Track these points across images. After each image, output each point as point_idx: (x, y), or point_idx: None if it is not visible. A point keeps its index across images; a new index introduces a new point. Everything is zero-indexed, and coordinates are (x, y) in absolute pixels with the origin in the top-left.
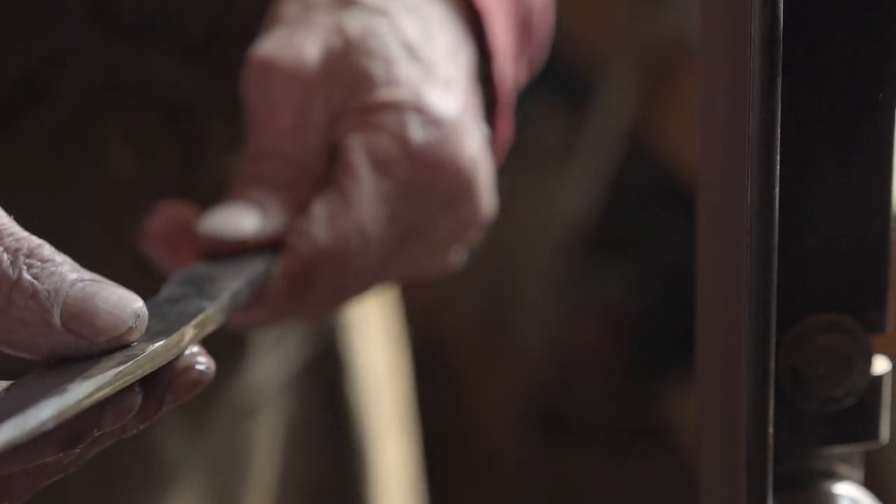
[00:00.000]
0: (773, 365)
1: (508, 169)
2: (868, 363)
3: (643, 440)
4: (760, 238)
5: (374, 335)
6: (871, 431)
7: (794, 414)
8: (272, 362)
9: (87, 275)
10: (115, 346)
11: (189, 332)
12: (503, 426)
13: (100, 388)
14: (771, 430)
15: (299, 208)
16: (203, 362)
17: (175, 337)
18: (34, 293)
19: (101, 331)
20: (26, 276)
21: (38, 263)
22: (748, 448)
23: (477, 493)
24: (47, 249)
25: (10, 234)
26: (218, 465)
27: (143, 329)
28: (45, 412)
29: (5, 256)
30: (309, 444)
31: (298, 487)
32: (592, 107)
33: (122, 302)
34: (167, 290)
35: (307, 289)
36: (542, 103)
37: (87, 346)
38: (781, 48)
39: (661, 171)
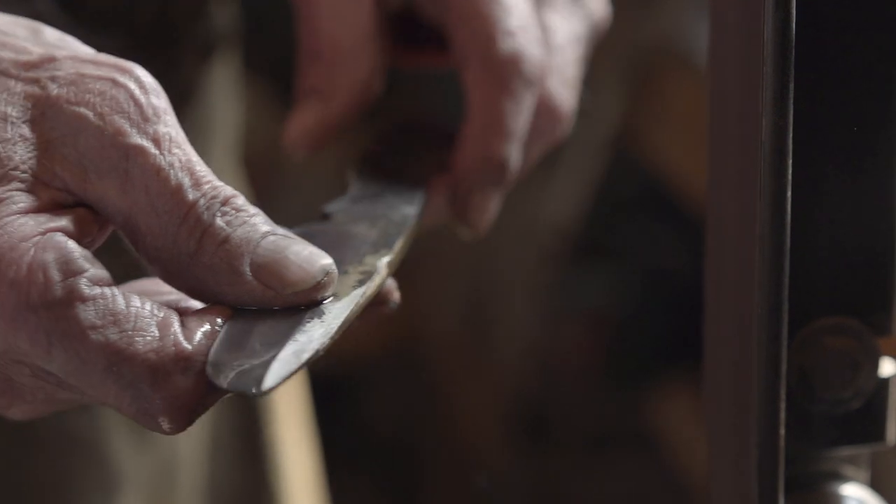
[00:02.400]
0: (784, 368)
1: None
2: (875, 365)
3: (626, 445)
4: (772, 242)
5: None
6: (878, 433)
7: (801, 416)
8: None
9: (279, 229)
10: (301, 301)
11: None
12: (486, 431)
13: (353, 309)
14: (783, 432)
15: None
16: (397, 297)
17: (385, 261)
18: (225, 240)
19: (289, 284)
20: (219, 222)
21: (232, 212)
22: (759, 450)
23: (460, 499)
24: (241, 200)
25: (208, 182)
26: (164, 471)
27: (332, 286)
28: (315, 340)
29: (202, 202)
30: (230, 451)
31: (224, 496)
32: (577, 112)
33: (313, 257)
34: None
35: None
36: None
37: (272, 297)
38: (793, 54)
39: (647, 177)
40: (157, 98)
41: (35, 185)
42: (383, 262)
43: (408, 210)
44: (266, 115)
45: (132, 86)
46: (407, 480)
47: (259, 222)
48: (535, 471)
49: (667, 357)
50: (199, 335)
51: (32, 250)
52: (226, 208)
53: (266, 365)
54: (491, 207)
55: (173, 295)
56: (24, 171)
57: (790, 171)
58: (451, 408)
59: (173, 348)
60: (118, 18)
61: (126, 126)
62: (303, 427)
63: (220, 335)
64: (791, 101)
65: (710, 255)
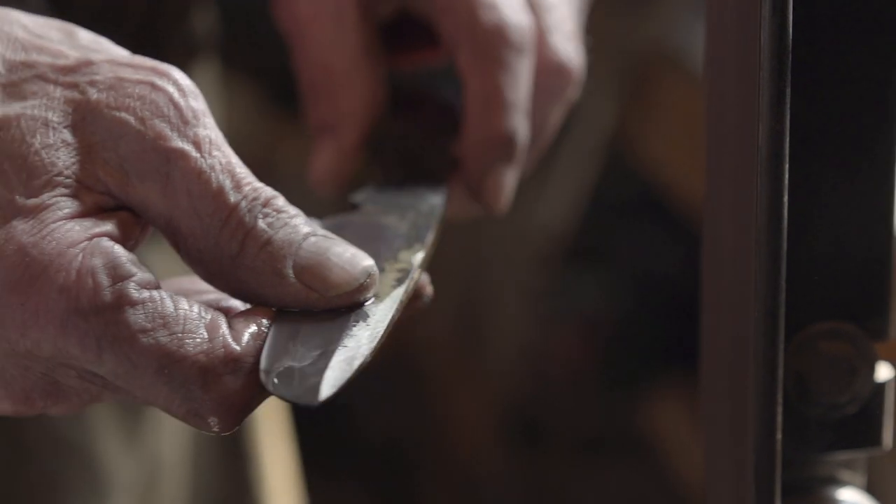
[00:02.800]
0: (781, 372)
1: None
2: (871, 370)
3: (620, 449)
4: (769, 246)
5: None
6: (875, 437)
7: (798, 420)
8: None
9: (319, 230)
10: (344, 303)
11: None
12: (479, 435)
13: (397, 309)
14: (779, 436)
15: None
16: (430, 291)
17: (420, 257)
18: (268, 242)
19: (332, 286)
20: (261, 224)
21: (273, 213)
22: (756, 454)
23: (448, 500)
24: (282, 201)
25: (248, 184)
26: (151, 472)
27: (374, 287)
28: (364, 345)
29: (243, 204)
30: (213, 452)
31: (208, 497)
32: (571, 117)
33: (355, 259)
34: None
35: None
36: None
37: (315, 299)
38: (790, 59)
39: (640, 181)
40: (195, 101)
41: (79, 189)
42: (418, 258)
43: (434, 200)
44: (254, 117)
45: (171, 89)
46: (400, 485)
47: (300, 223)
48: (529, 475)
49: (660, 361)
50: (246, 336)
51: (80, 256)
52: (267, 210)
53: (320, 373)
54: (507, 184)
55: (212, 294)
56: (67, 177)
57: (787, 175)
58: (445, 412)
59: (223, 350)
60: (104, 21)
61: (166, 130)
62: (281, 428)
63: (268, 339)
64: (788, 106)
65: (707, 260)
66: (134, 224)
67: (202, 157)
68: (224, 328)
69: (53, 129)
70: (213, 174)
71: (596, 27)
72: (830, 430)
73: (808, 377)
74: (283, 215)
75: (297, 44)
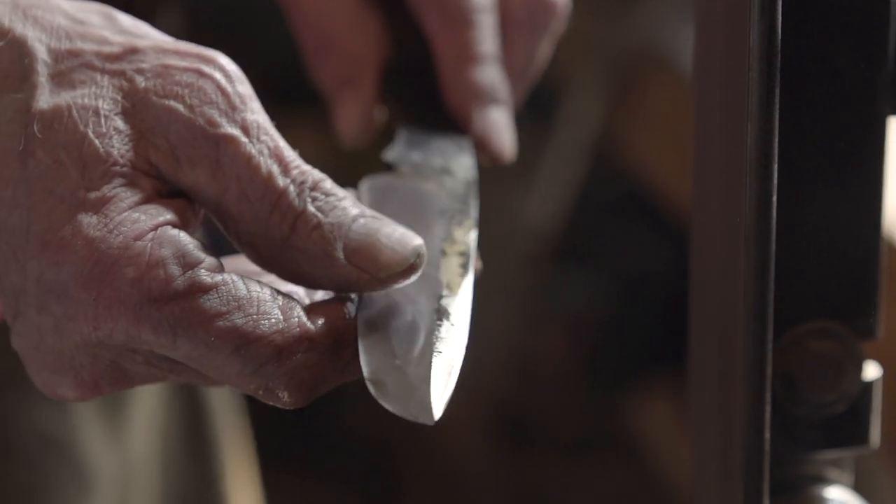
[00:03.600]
0: (769, 371)
1: None
2: (859, 369)
3: (608, 449)
4: (757, 246)
5: None
6: (862, 436)
7: (786, 419)
8: None
9: (367, 211)
10: (394, 283)
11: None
12: (466, 435)
13: (468, 292)
14: (768, 435)
15: None
16: (480, 265)
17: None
18: (318, 225)
19: (383, 266)
20: (311, 208)
21: (322, 196)
22: (744, 453)
23: (433, 500)
24: (329, 183)
25: (297, 167)
26: (133, 467)
27: (423, 266)
28: (457, 352)
29: (292, 188)
30: (180, 448)
31: (177, 492)
32: (558, 117)
33: (405, 239)
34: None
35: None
36: None
37: (367, 280)
38: (779, 61)
39: (627, 182)
40: (242, 86)
41: (136, 176)
42: (473, 238)
43: (464, 160)
44: None
45: (218, 75)
46: (387, 486)
47: (348, 205)
48: (516, 474)
49: (647, 361)
50: (321, 317)
51: (149, 247)
52: (316, 193)
53: (426, 384)
54: (502, 129)
55: (264, 277)
56: (123, 165)
57: (775, 175)
58: None
59: (297, 329)
60: None
61: (215, 116)
62: (239, 426)
63: (360, 337)
64: (777, 106)
65: (696, 260)
66: (190, 210)
67: (251, 141)
68: (298, 309)
69: (105, 117)
70: (261, 159)
71: (583, 28)
72: (818, 429)
73: (796, 376)
74: (332, 198)
75: (294, 9)
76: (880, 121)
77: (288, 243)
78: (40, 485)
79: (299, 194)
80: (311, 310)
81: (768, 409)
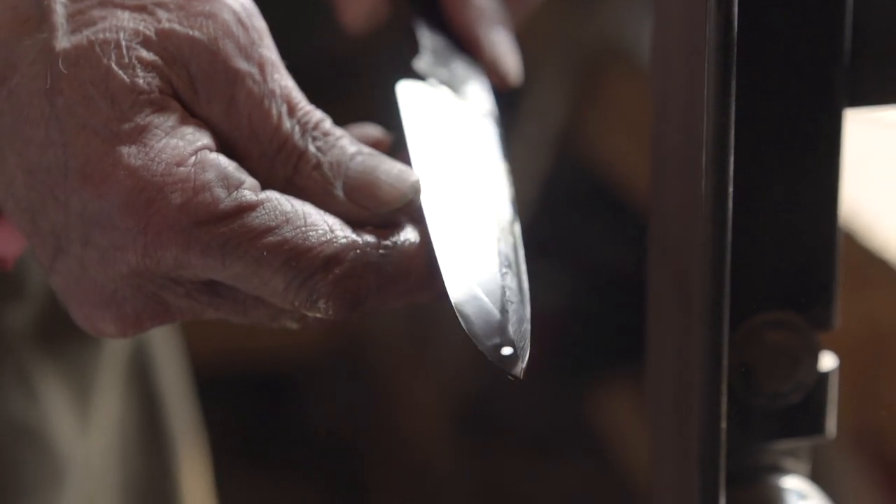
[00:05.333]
0: (725, 362)
1: None
2: (815, 359)
3: (570, 443)
4: (713, 237)
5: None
6: (818, 426)
7: (742, 409)
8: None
9: (365, 148)
10: (393, 218)
11: None
12: (431, 430)
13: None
14: (724, 426)
15: None
16: None
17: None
18: (318, 164)
19: (382, 203)
20: (311, 147)
21: (321, 136)
22: (701, 444)
23: (405, 498)
24: (328, 123)
25: (301, 108)
26: (105, 455)
27: (419, 198)
28: (526, 306)
29: (297, 129)
30: (137, 440)
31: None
32: (522, 112)
33: (403, 175)
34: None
35: None
36: None
37: (367, 216)
38: (735, 53)
39: (591, 176)
40: (258, 20)
41: (165, 101)
42: (508, 189)
43: (480, 86)
44: None
45: (237, 7)
46: (352, 481)
47: (346, 144)
48: (480, 468)
49: (611, 355)
50: (368, 229)
51: (193, 171)
52: (316, 133)
53: (512, 343)
54: (511, 51)
55: None
56: (152, 92)
57: (732, 167)
58: (396, 407)
59: (345, 239)
60: None
61: (235, 50)
62: (196, 421)
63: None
64: (733, 98)
65: (653, 251)
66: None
67: (265, 82)
68: (343, 223)
69: (127, 48)
70: (272, 101)
71: (546, 22)
72: (774, 419)
73: (752, 367)
74: (331, 137)
75: None
76: (836, 113)
77: (291, 181)
78: (12, 473)
79: (302, 135)
80: (357, 226)
81: (725, 399)
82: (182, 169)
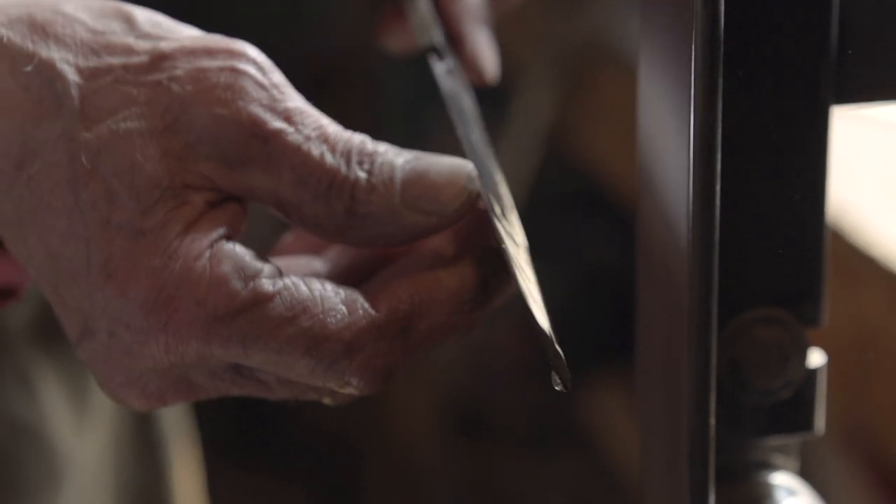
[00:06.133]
0: (714, 359)
1: None
2: (804, 356)
3: (562, 441)
4: (702, 234)
5: None
6: (807, 423)
7: (731, 406)
8: None
9: (407, 154)
10: (463, 215)
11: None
12: (421, 429)
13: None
14: (713, 422)
15: None
16: None
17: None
18: (372, 188)
19: (445, 203)
20: (361, 174)
21: (367, 159)
22: (690, 440)
23: (395, 497)
24: (369, 143)
25: (339, 140)
26: (103, 453)
27: (477, 189)
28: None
29: (342, 163)
30: (130, 439)
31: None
32: (510, 111)
33: (455, 169)
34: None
35: None
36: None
37: (435, 222)
38: (722, 50)
39: (579, 175)
40: (275, 75)
41: (188, 193)
42: (516, 220)
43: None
44: None
45: (252, 70)
46: (342, 479)
47: (391, 157)
48: (471, 467)
49: (600, 353)
50: (385, 302)
51: (208, 266)
52: (360, 158)
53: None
54: (491, 49)
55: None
56: (175, 186)
57: (719, 164)
58: (386, 406)
59: (364, 321)
60: None
61: (260, 113)
62: (188, 421)
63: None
64: (720, 95)
65: (641, 248)
66: (241, 212)
67: (297, 130)
68: (362, 300)
69: (151, 137)
70: (310, 144)
71: (534, 22)
72: (764, 416)
73: (741, 363)
74: (376, 157)
75: None
76: (823, 110)
77: (352, 213)
78: (11, 471)
79: (348, 165)
80: (373, 296)
81: (714, 396)
82: (199, 263)
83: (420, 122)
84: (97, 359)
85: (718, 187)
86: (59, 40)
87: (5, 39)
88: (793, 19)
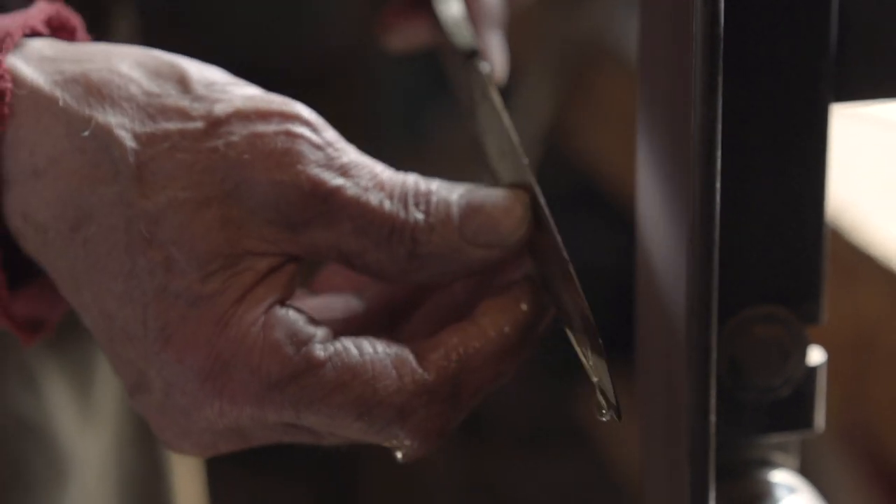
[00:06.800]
0: (714, 356)
1: (426, 171)
2: (804, 354)
3: (562, 441)
4: (702, 232)
5: None
6: (807, 420)
7: (731, 404)
8: None
9: (460, 188)
10: (526, 244)
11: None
12: None
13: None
14: (713, 420)
15: None
16: None
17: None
18: (431, 228)
19: (506, 234)
20: (419, 216)
21: (422, 199)
22: (690, 438)
23: (395, 497)
24: (422, 183)
25: (394, 186)
26: (106, 451)
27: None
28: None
29: (398, 207)
30: (131, 438)
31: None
32: (509, 109)
33: (511, 199)
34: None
35: None
36: (457, 106)
37: (498, 254)
38: (722, 48)
39: (578, 173)
40: (327, 132)
41: (248, 260)
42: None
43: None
44: None
45: (307, 132)
46: (342, 479)
47: (444, 194)
48: (469, 466)
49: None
50: (435, 365)
51: (261, 333)
52: (416, 200)
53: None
54: (504, 49)
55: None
56: (232, 254)
57: (719, 162)
58: None
59: (413, 386)
60: None
61: (319, 173)
62: None
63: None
64: (720, 93)
65: (641, 247)
66: (296, 271)
67: (354, 183)
68: (412, 361)
69: (209, 206)
70: (366, 195)
71: (534, 20)
72: (764, 414)
73: (741, 361)
74: (431, 196)
75: None
76: (822, 108)
77: (414, 254)
78: (16, 469)
79: (406, 209)
80: (422, 355)
81: (714, 393)
82: (253, 330)
83: (420, 122)
84: (152, 410)
85: (718, 186)
86: (116, 104)
87: (61, 102)
88: (792, 18)
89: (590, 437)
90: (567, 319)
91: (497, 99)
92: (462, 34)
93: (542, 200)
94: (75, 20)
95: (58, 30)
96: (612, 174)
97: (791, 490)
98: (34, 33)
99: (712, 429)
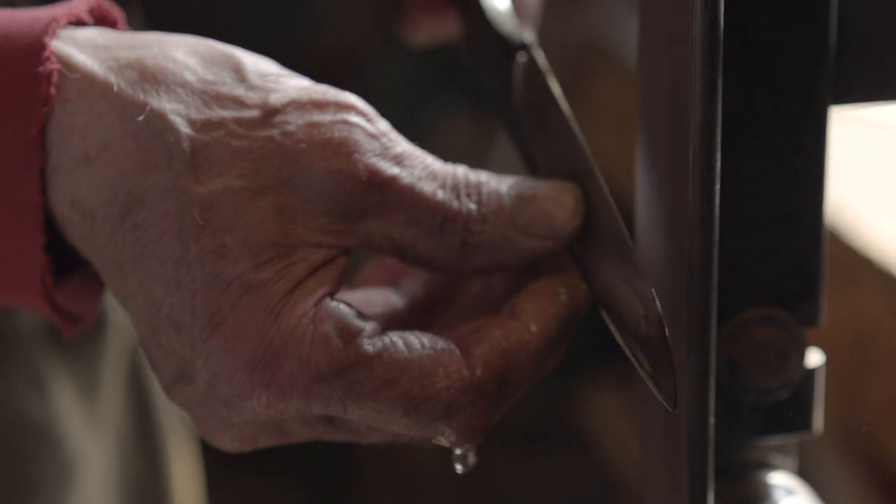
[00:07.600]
0: (713, 358)
1: None
2: (802, 356)
3: (561, 441)
4: (701, 234)
5: None
6: (806, 422)
7: (730, 406)
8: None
9: (509, 179)
10: (579, 235)
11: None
12: None
13: None
14: (712, 422)
15: None
16: None
17: None
18: (484, 218)
19: (561, 226)
20: (471, 206)
21: (473, 190)
22: (689, 440)
23: (394, 497)
24: (472, 175)
25: (446, 176)
26: (111, 452)
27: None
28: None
29: (451, 197)
30: (131, 436)
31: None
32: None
33: (559, 188)
34: None
35: None
36: (456, 106)
37: (551, 246)
38: (722, 49)
39: None
40: (380, 122)
41: (303, 250)
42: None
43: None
44: None
45: (363, 122)
46: (339, 479)
47: (494, 185)
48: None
49: (597, 353)
50: (481, 360)
51: (311, 325)
52: (468, 190)
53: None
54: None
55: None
56: (286, 244)
57: (719, 164)
58: None
59: (460, 383)
60: None
61: (376, 163)
62: (187, 421)
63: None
64: (719, 96)
65: (640, 248)
66: (346, 266)
67: (408, 172)
68: (458, 357)
69: (265, 194)
70: (420, 184)
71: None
72: (762, 416)
73: (740, 363)
74: (483, 187)
75: None
76: (822, 110)
77: (467, 244)
78: (24, 469)
79: (458, 199)
80: (467, 351)
81: (713, 395)
82: (304, 321)
83: (420, 121)
84: (193, 402)
85: (718, 188)
86: (171, 90)
87: (116, 88)
88: (792, 20)
89: (589, 438)
90: (612, 309)
91: (557, 89)
92: (512, 27)
93: (605, 190)
94: (116, 12)
95: (100, 20)
96: (611, 175)
97: (789, 492)
98: (79, 22)
99: (711, 430)
